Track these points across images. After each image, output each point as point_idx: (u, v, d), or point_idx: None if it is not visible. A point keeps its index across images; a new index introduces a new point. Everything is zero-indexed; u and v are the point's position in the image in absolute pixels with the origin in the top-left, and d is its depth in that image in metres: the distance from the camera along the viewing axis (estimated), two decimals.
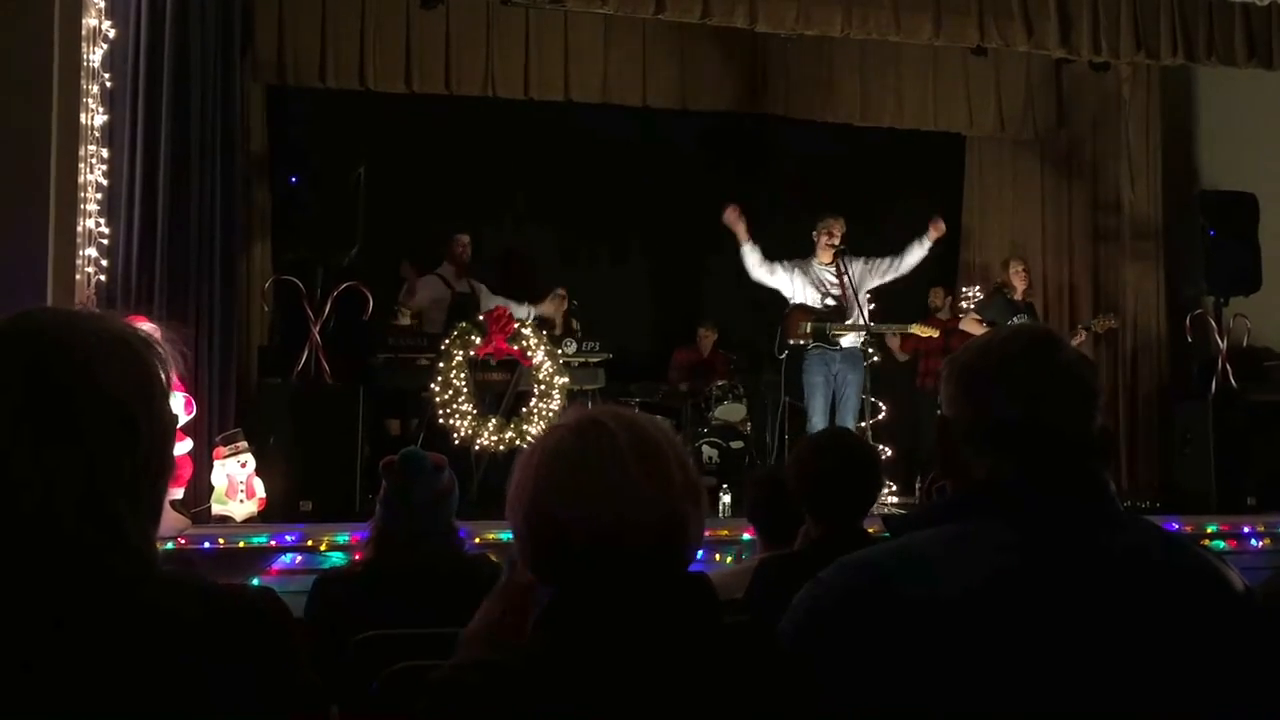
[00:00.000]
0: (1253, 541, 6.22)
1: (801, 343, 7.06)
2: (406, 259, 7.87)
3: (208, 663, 1.11)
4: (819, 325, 7.03)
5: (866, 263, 7.15)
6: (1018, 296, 7.72)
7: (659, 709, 1.26)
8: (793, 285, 7.14)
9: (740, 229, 7.02)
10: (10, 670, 1.06)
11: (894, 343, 8.49)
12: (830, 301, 7.12)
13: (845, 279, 7.08)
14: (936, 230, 7.12)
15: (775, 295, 7.22)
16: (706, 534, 1.58)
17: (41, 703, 1.05)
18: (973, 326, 7.73)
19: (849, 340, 7.03)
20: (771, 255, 7.13)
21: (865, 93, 8.94)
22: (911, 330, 7.49)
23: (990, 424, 1.39)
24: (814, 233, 7.17)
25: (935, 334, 7.72)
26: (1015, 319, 7.36)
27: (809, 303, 7.11)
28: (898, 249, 7.17)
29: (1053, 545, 1.32)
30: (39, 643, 1.07)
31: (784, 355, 7.16)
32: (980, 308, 8.05)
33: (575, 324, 8.05)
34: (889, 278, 7.19)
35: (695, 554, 1.38)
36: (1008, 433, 1.38)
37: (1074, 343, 6.95)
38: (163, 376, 1.20)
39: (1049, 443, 1.37)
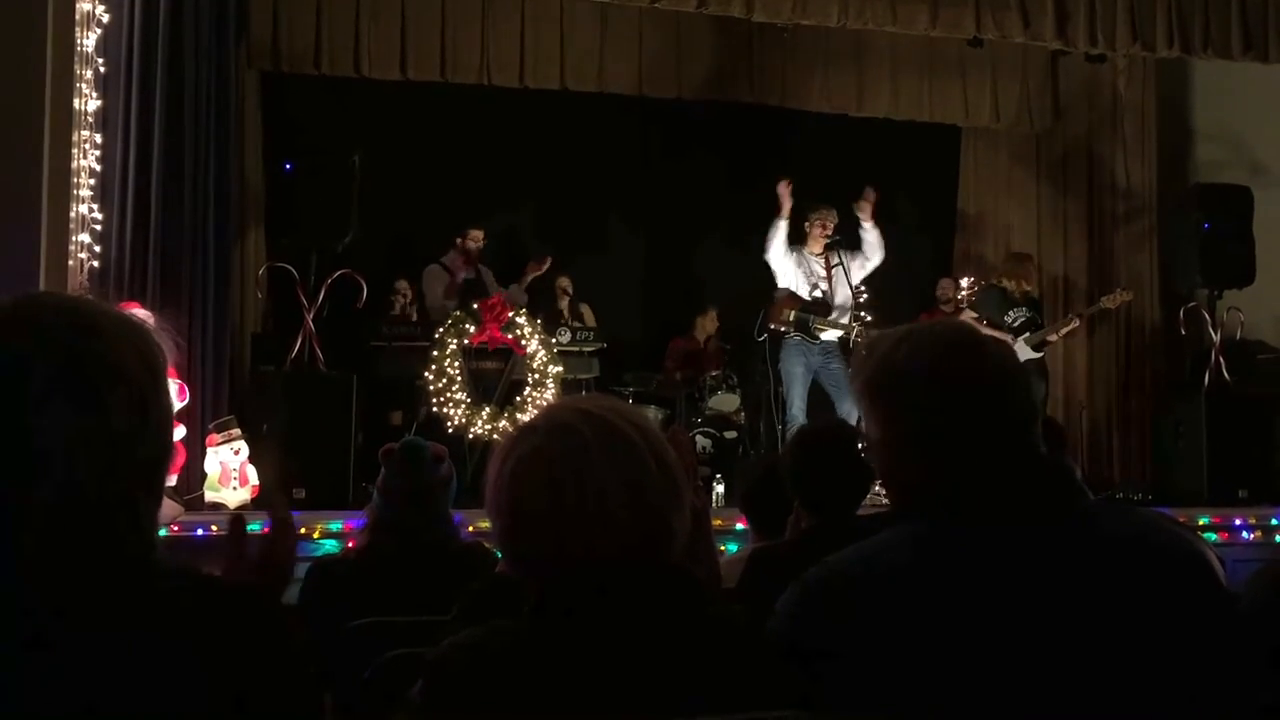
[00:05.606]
0: (1244, 534, 6.24)
1: (782, 330, 7.05)
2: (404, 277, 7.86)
3: (202, 651, 1.11)
4: (802, 316, 7.01)
5: (853, 256, 7.16)
6: (1018, 291, 7.52)
7: (643, 695, 1.28)
8: (787, 270, 7.15)
9: (786, 203, 7.05)
10: (24, 639, 1.06)
11: None
12: (817, 294, 7.11)
13: (834, 272, 7.07)
14: (867, 202, 7.14)
15: (770, 282, 7.22)
16: None
17: (40, 675, 1.05)
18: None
19: (829, 335, 7.03)
20: (762, 243, 7.13)
21: (861, 83, 8.93)
22: None
23: (956, 431, 1.38)
24: (805, 223, 7.16)
25: None
26: (1011, 314, 7.37)
27: (798, 291, 7.11)
28: (871, 243, 7.20)
29: (1029, 546, 1.32)
30: (48, 614, 1.07)
31: (763, 339, 7.16)
32: (974, 304, 7.95)
33: (584, 310, 8.07)
34: (868, 269, 7.20)
35: (679, 547, 1.39)
36: (973, 438, 1.37)
37: (1066, 330, 6.77)
38: (162, 362, 1.21)
39: (1016, 442, 1.39)
